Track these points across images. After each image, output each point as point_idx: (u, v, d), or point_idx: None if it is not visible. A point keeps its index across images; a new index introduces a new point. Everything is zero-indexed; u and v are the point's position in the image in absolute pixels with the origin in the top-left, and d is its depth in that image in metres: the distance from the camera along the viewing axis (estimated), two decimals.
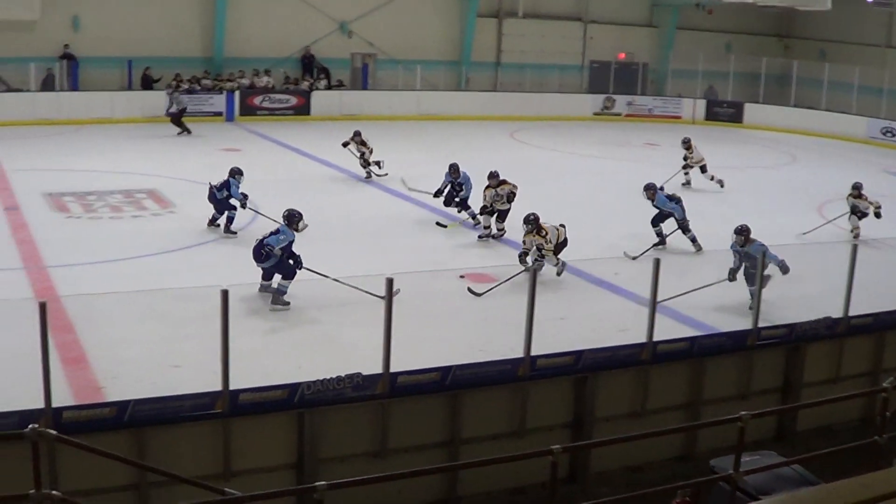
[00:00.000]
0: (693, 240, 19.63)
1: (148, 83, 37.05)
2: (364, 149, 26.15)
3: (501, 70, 43.63)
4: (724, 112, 43.29)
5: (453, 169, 21.53)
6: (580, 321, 15.24)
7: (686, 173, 26.58)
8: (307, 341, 14.21)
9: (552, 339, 13.07)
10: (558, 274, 17.17)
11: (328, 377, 11.14)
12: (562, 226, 17.50)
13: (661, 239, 19.74)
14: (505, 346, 12.97)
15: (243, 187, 19.96)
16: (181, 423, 10.76)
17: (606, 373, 12.85)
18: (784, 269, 15.52)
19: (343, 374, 11.19)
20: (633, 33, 46.35)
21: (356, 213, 22.48)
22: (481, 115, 40.17)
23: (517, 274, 16.28)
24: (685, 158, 26.60)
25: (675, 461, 13.18)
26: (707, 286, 15.70)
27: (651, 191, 19.97)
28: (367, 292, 14.31)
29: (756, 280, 15.05)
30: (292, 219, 15.98)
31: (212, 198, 19.82)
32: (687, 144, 26.65)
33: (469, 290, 16.10)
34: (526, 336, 12.15)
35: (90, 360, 13.03)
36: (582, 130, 38.94)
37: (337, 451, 11.39)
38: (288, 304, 15.27)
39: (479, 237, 20.14)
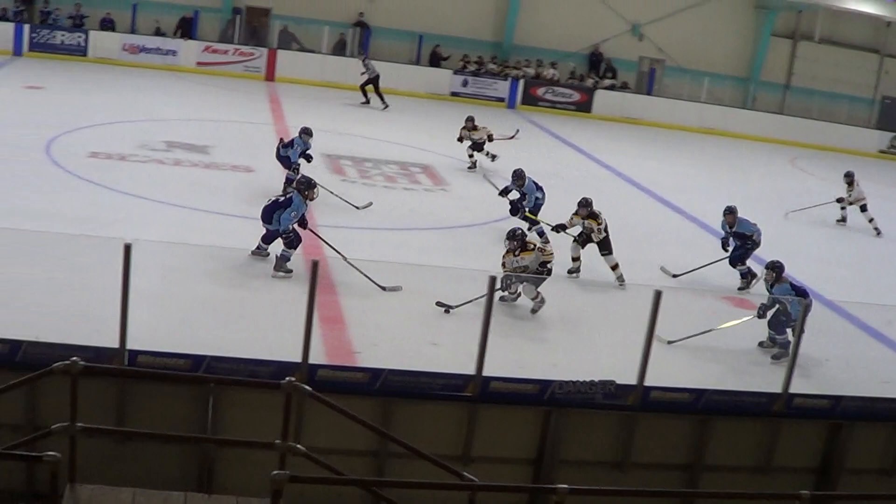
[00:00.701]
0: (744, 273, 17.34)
1: (436, 60, 37.70)
2: (476, 134, 24.29)
3: (790, 93, 42.49)
4: None
5: (517, 175, 18.79)
6: (842, 366, 14.65)
7: (843, 208, 24.46)
8: (564, 339, 14.11)
9: (812, 380, 12.62)
10: (534, 310, 14.57)
11: (581, 380, 11.00)
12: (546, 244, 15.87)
13: (749, 279, 17.11)
14: (763, 378, 12.58)
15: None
16: (429, 400, 10.84)
17: (863, 423, 12.28)
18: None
19: (596, 380, 11.05)
20: None
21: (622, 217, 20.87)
22: (763, 136, 39.07)
23: (480, 297, 14.70)
24: (846, 194, 24.43)
25: None
26: (731, 325, 14.24)
27: (732, 215, 17.29)
28: (371, 280, 14.23)
29: (791, 328, 13.32)
30: (302, 186, 15.25)
31: (278, 153, 19.39)
32: (849, 179, 24.51)
33: (439, 304, 14.20)
34: (787, 372, 11.67)
35: (347, 323, 13.30)
36: (863, 167, 37.14)
37: (577, 454, 11.23)
38: (290, 271, 14.61)
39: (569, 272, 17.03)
